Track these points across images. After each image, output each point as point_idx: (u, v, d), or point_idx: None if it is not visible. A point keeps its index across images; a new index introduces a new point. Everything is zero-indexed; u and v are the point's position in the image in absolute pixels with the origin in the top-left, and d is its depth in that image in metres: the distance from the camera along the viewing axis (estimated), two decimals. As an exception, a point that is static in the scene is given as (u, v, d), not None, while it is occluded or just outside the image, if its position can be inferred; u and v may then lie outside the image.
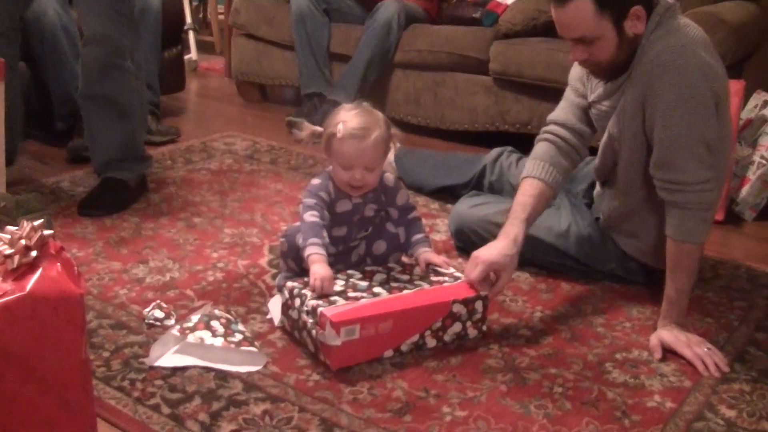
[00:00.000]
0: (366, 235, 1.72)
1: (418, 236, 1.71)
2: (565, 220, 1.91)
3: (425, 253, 1.69)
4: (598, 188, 1.94)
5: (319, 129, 1.67)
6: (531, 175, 1.77)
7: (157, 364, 1.49)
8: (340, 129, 1.58)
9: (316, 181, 1.65)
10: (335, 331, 1.46)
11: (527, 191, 1.75)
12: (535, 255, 1.88)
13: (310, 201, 1.61)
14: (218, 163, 2.67)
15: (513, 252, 1.65)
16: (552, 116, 1.87)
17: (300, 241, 1.59)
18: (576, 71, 1.85)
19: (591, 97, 1.78)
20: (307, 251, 1.55)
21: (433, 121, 3.04)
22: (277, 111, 3.36)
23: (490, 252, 1.64)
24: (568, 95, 1.86)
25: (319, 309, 1.49)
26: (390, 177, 1.72)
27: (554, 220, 1.91)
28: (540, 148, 1.83)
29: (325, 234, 1.57)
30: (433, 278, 1.65)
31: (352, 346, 1.49)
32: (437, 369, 1.54)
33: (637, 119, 1.65)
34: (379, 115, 1.63)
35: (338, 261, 1.72)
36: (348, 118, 1.59)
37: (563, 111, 1.86)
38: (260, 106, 3.48)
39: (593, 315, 1.77)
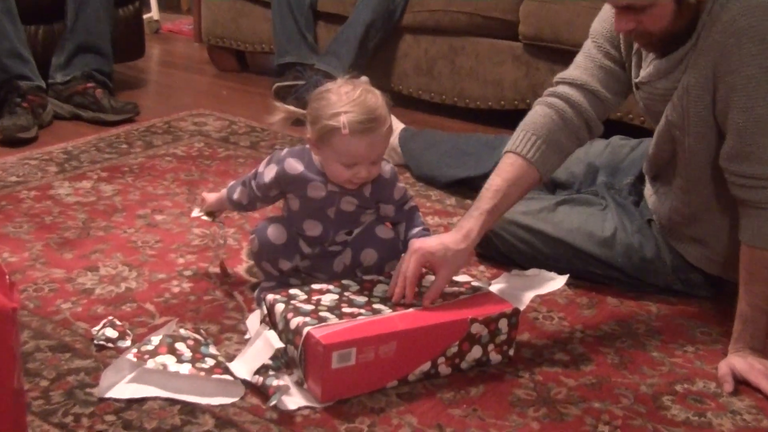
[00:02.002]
0: (350, 240, 1.73)
1: (416, 230, 1.72)
2: (609, 225, 1.90)
3: None
4: (648, 184, 1.93)
5: (295, 110, 1.66)
6: (512, 150, 1.73)
7: (108, 395, 1.48)
8: (344, 123, 1.56)
9: (281, 155, 1.70)
10: (327, 355, 1.44)
11: (502, 172, 1.71)
12: (572, 264, 1.87)
13: (247, 176, 1.76)
14: (186, 147, 2.66)
15: (460, 248, 1.62)
16: (562, 74, 1.82)
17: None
18: (603, 26, 1.79)
19: (639, 77, 1.75)
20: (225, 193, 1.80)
21: (450, 97, 3.03)
22: (258, 83, 3.35)
23: (430, 242, 1.62)
24: (590, 51, 1.81)
25: (306, 329, 1.47)
26: (385, 167, 1.71)
27: (596, 224, 1.90)
28: (533, 114, 1.77)
29: (241, 191, 1.76)
30: (447, 290, 1.64)
31: (346, 375, 1.47)
32: (454, 401, 1.52)
33: (705, 101, 1.63)
34: (376, 90, 1.62)
35: (317, 267, 1.73)
36: (348, 106, 1.58)
37: (579, 69, 1.80)
38: (237, 77, 3.47)
39: (647, 336, 1.76)
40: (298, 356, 1.49)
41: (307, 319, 1.50)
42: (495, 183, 1.69)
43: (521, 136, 1.74)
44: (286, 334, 1.52)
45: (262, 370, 1.50)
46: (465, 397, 1.53)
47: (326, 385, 1.47)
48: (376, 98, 1.60)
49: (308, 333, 1.47)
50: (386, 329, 1.51)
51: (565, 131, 1.76)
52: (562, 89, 1.78)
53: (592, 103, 1.78)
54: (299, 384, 1.51)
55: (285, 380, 1.50)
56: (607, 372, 1.63)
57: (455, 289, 1.66)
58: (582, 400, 1.55)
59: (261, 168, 1.72)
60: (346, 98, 1.58)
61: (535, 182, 1.74)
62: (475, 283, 1.67)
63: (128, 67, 3.35)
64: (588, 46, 1.82)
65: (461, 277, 1.70)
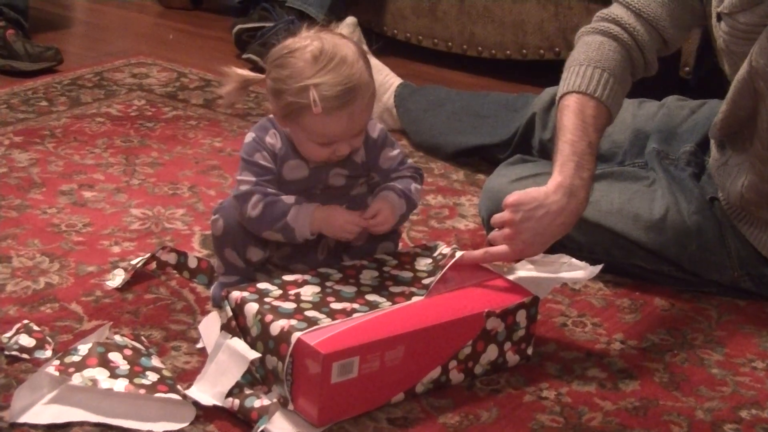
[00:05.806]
0: None
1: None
2: (659, 204, 1.90)
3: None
4: (714, 152, 1.92)
5: (250, 75, 1.66)
6: (573, 90, 1.76)
7: (22, 419, 1.47)
8: (315, 99, 1.56)
9: (249, 139, 1.68)
10: (325, 367, 1.44)
11: (569, 113, 1.74)
12: (611, 255, 1.88)
13: (248, 178, 1.65)
14: (122, 105, 2.66)
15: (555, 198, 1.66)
16: None
17: (271, 223, 1.64)
18: None
19: (719, 5, 1.74)
20: (291, 212, 1.63)
21: (458, 44, 3.03)
22: (214, 24, 3.34)
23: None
24: None
25: (295, 334, 1.47)
26: (375, 125, 1.72)
27: (643, 204, 1.90)
28: (586, 45, 1.80)
29: (258, 201, 1.64)
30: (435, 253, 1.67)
31: (347, 390, 1.48)
32: (461, 428, 1.53)
33: None
34: (352, 45, 1.61)
35: (296, 256, 1.74)
36: (318, 75, 1.57)
37: None
38: (188, 16, 3.46)
39: (705, 347, 1.77)
40: (283, 369, 1.49)
41: (293, 321, 1.50)
42: (564, 123, 1.72)
43: (580, 71, 1.76)
44: (265, 342, 1.52)
45: (235, 391, 1.50)
46: (474, 423, 1.54)
47: (324, 405, 1.47)
48: (353, 55, 1.59)
49: (299, 340, 1.46)
50: (392, 330, 1.51)
51: (629, 64, 1.80)
52: (618, 11, 1.81)
53: (653, 37, 1.81)
54: (282, 404, 1.51)
55: (269, 398, 1.50)
56: (654, 393, 1.64)
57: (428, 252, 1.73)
58: (622, 429, 1.55)
59: (252, 174, 1.66)
60: (313, 63, 1.58)
61: (606, 127, 1.78)
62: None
63: (48, 1, 3.33)
64: None
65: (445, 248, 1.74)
